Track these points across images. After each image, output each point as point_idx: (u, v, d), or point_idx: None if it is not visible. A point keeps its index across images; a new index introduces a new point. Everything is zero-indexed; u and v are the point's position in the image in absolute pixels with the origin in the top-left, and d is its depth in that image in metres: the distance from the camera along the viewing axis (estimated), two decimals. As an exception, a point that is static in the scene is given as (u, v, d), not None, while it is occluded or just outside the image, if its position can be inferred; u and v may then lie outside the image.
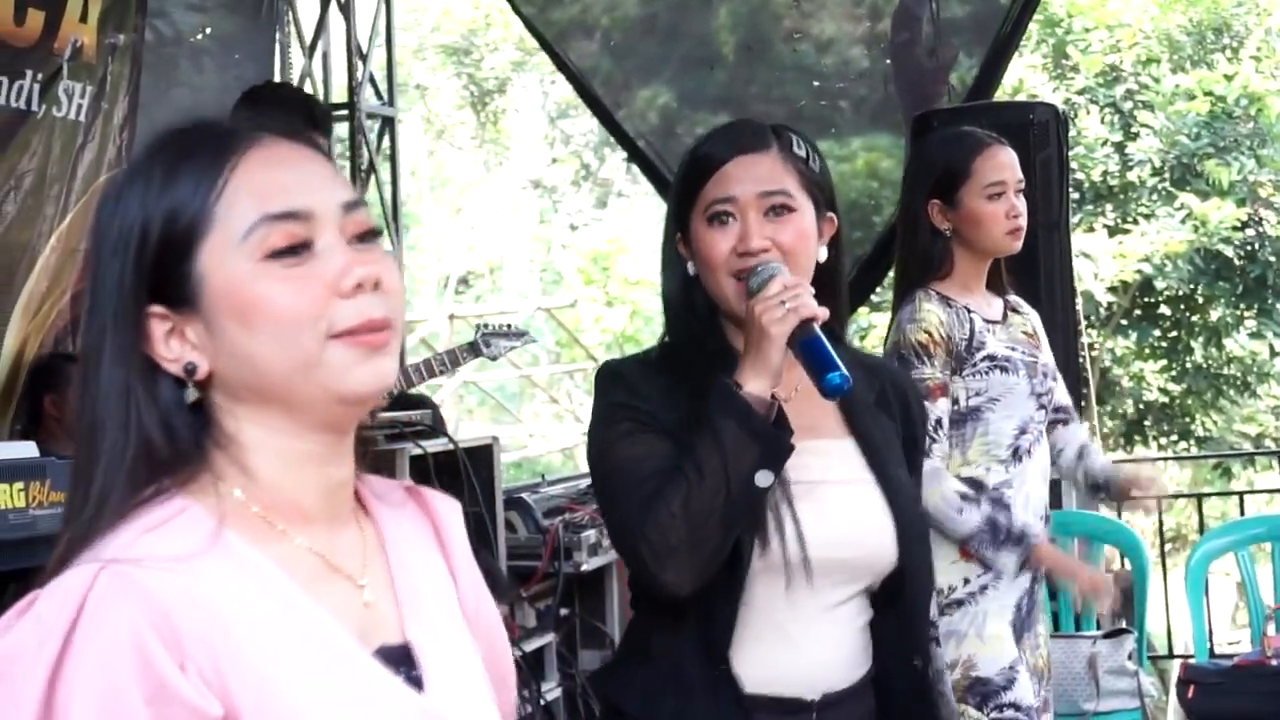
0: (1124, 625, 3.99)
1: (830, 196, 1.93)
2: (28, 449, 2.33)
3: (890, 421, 1.96)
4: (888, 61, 5.68)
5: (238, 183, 1.10)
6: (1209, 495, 9.24)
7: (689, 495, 1.73)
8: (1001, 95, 7.29)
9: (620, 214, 16.14)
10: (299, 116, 3.48)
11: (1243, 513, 7.19)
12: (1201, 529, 7.33)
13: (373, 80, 6.02)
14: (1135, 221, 10.10)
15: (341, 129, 5.88)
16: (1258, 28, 10.66)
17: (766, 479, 1.74)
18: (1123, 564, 5.79)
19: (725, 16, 5.98)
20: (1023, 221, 2.87)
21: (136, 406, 1.10)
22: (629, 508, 1.78)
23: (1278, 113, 9.97)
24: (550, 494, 4.40)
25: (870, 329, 10.35)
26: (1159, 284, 10.11)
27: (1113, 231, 10.11)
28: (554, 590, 3.94)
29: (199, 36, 5.56)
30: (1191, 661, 4.18)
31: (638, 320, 14.44)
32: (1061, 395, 3.04)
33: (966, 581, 2.77)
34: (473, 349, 4.17)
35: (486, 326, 4.22)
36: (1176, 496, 10.35)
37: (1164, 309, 10.59)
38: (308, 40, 5.88)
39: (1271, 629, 4.12)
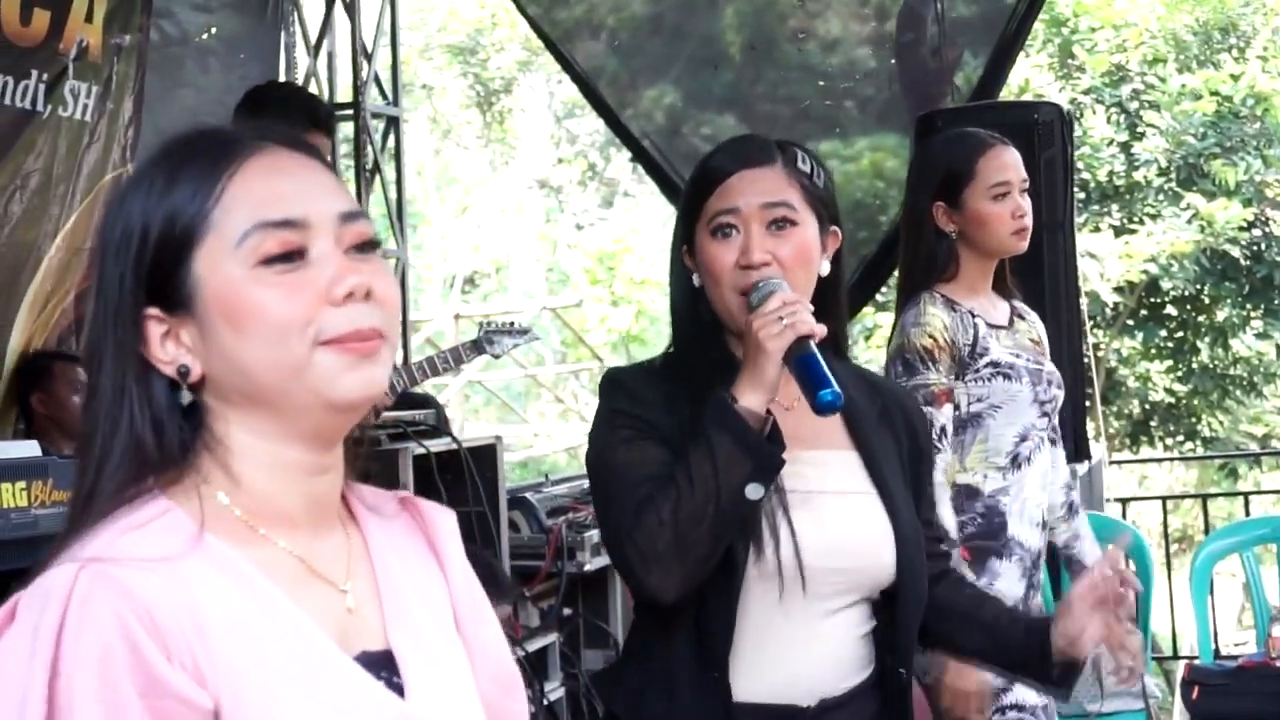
0: (1129, 626, 3.98)
1: (834, 211, 1.96)
2: (30, 448, 2.34)
3: (892, 436, 1.97)
4: (893, 61, 5.67)
5: (236, 189, 1.12)
6: (1214, 496, 9.24)
7: (679, 503, 1.75)
8: (1007, 95, 7.28)
9: (626, 214, 16.14)
10: (303, 116, 3.49)
11: (1248, 513, 7.18)
12: (1207, 530, 7.32)
13: (378, 80, 6.02)
14: (1141, 222, 10.10)
15: (346, 128, 5.88)
16: (1265, 27, 10.65)
17: (757, 492, 1.75)
18: (1127, 565, 5.78)
19: (731, 16, 5.97)
20: (1028, 221, 2.83)
21: (130, 406, 1.12)
22: (621, 512, 1.80)
23: (1285, 113, 9.96)
24: (554, 494, 4.39)
25: (875, 329, 10.34)
26: (1165, 284, 10.10)
27: (1119, 232, 10.10)
28: (557, 590, 3.94)
29: (204, 36, 5.56)
30: (1196, 662, 4.18)
31: (643, 320, 14.44)
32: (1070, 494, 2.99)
33: None
34: (476, 347, 4.16)
35: (490, 324, 4.22)
36: (1182, 497, 10.35)
37: (1170, 309, 10.58)
38: (313, 40, 5.88)
39: (1276, 630, 4.11)
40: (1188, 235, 9.83)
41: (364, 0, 5.95)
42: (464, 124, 16.74)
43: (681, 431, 1.82)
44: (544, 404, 15.31)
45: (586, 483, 4.56)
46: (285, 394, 1.11)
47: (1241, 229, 9.91)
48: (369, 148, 5.86)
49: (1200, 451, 10.91)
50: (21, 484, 2.16)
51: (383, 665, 1.15)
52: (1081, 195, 9.60)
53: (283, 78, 5.71)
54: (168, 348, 1.13)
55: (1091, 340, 8.32)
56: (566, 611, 4.06)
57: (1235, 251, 9.99)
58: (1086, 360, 5.46)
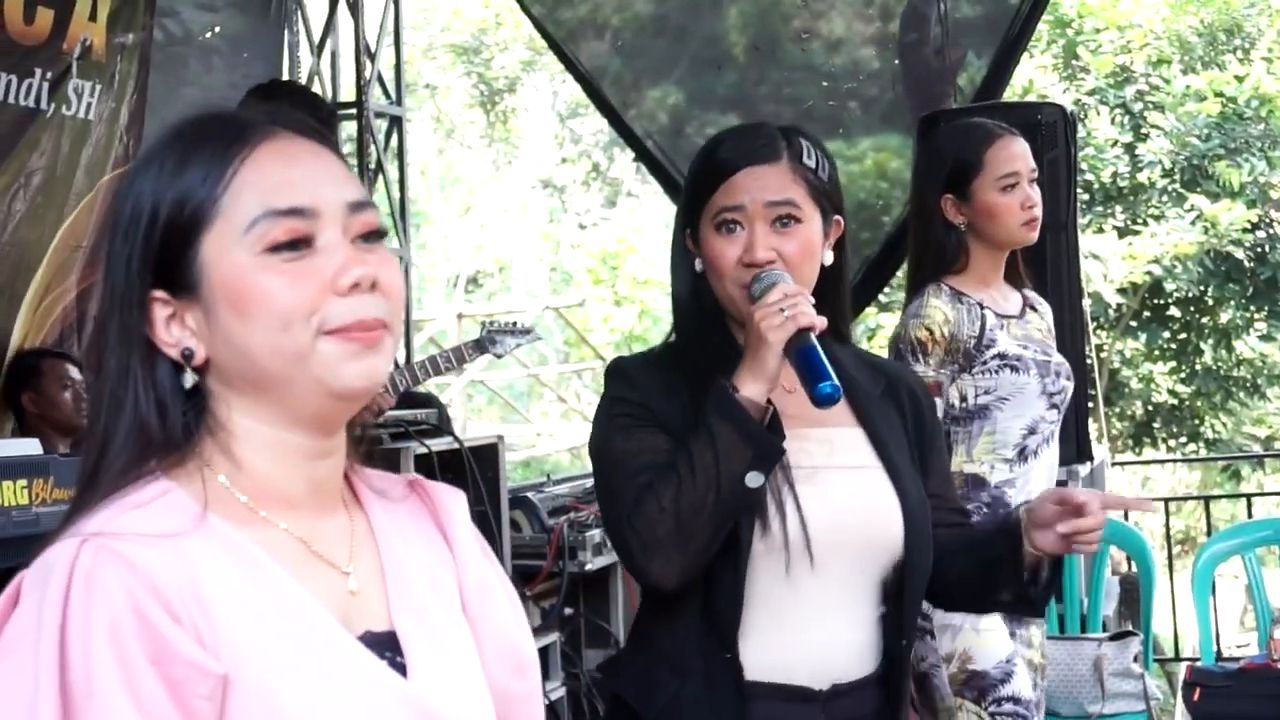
0: (1130, 627, 3.98)
1: (838, 201, 1.97)
2: (31, 446, 2.34)
3: (897, 412, 1.99)
4: (897, 62, 5.66)
5: (246, 175, 1.12)
6: (1217, 498, 9.24)
7: (679, 491, 1.77)
8: (1012, 95, 7.29)
9: (629, 214, 16.14)
10: (305, 114, 3.49)
11: (1250, 515, 7.18)
12: (1209, 531, 7.32)
13: (381, 79, 6.02)
14: (1145, 223, 10.08)
15: (350, 128, 5.88)
16: (1269, 29, 10.63)
17: (757, 480, 1.77)
18: (1129, 566, 5.78)
19: (735, 17, 5.96)
20: (1038, 212, 2.80)
21: (135, 387, 1.13)
22: (622, 500, 1.82)
23: (1289, 114, 9.95)
24: (555, 493, 4.40)
25: (878, 329, 10.34)
26: (1169, 286, 10.09)
27: (1122, 233, 10.09)
28: (558, 590, 3.94)
29: (208, 35, 5.57)
30: (1198, 664, 4.18)
31: (646, 320, 14.44)
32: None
33: None
34: (478, 346, 4.16)
35: (493, 324, 4.22)
36: (1185, 499, 10.34)
37: (1173, 311, 10.57)
38: (316, 39, 5.89)
39: (1278, 632, 4.11)
40: (1191, 237, 9.81)
41: (367, 0, 5.95)
42: (467, 123, 16.74)
43: (682, 418, 1.84)
44: (546, 403, 15.31)
45: (588, 482, 4.60)
46: (287, 381, 1.12)
47: (1245, 230, 9.90)
48: (372, 147, 5.86)
49: (1203, 453, 10.90)
50: (23, 482, 2.16)
51: (386, 646, 1.15)
52: (1085, 196, 9.59)
53: (286, 77, 5.71)
54: (172, 330, 1.13)
55: (1095, 341, 8.32)
56: (568, 611, 4.06)
57: (1239, 253, 9.97)
58: (1089, 361, 5.46)
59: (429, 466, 3.26)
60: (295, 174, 1.13)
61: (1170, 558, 7.11)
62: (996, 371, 2.76)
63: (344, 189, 1.15)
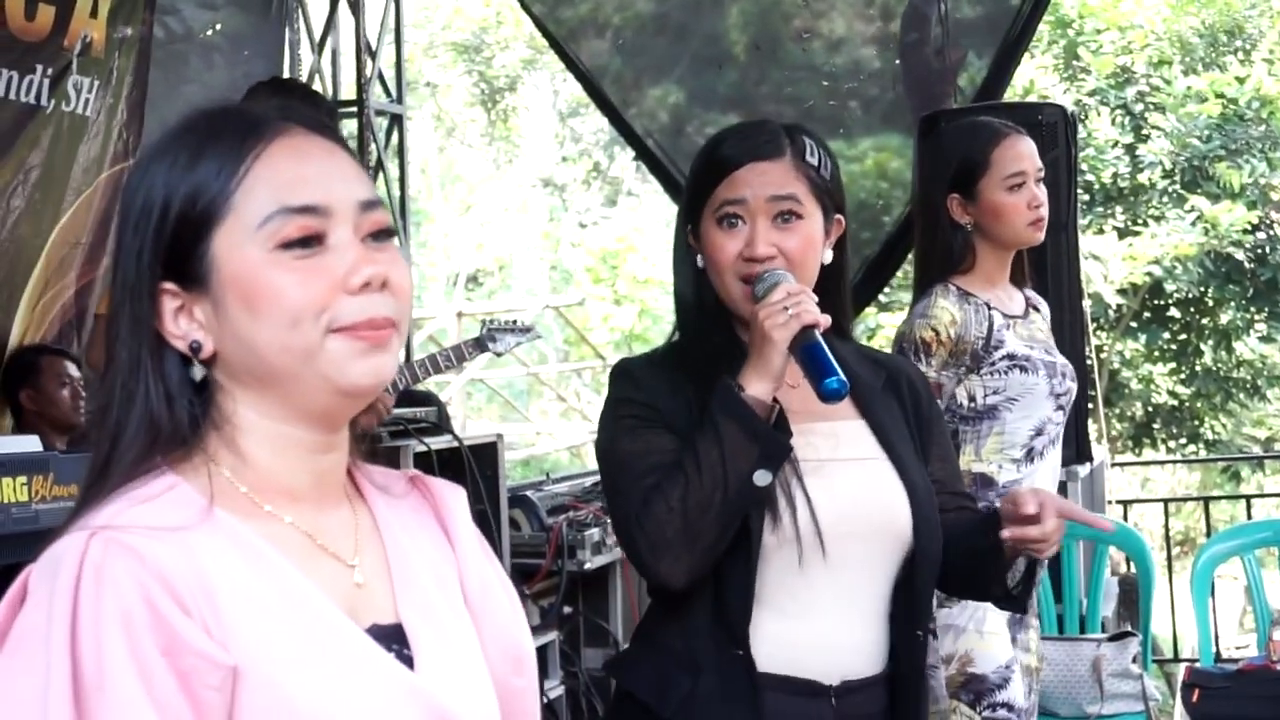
0: (1129, 628, 3.98)
1: (840, 199, 1.98)
2: (31, 443, 2.34)
3: (898, 404, 2.00)
4: (898, 62, 5.66)
5: (260, 171, 1.12)
6: (1217, 499, 9.25)
7: (687, 491, 1.78)
8: (1012, 96, 7.28)
9: (630, 213, 16.14)
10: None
11: (1250, 516, 7.18)
12: (1209, 532, 7.32)
13: (381, 77, 6.02)
14: (1145, 224, 10.08)
15: (350, 126, 5.88)
16: (1271, 30, 10.63)
17: (764, 479, 1.78)
18: (1129, 567, 5.78)
19: (736, 16, 5.96)
20: (1044, 212, 2.78)
21: (145, 379, 1.13)
22: (629, 500, 1.83)
23: (1290, 116, 9.94)
24: (554, 492, 4.40)
25: (878, 329, 10.34)
26: (1169, 286, 10.08)
27: (1123, 234, 10.09)
28: (557, 588, 3.94)
29: (209, 33, 5.57)
30: (1197, 665, 4.17)
31: (646, 319, 14.44)
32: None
33: None
34: (479, 344, 4.16)
35: (493, 322, 4.22)
36: (1184, 500, 10.34)
37: (1174, 312, 10.57)
38: (317, 37, 5.89)
39: (1277, 633, 4.10)
40: (1192, 238, 9.81)
41: (368, -2, 5.95)
42: (468, 122, 16.74)
43: (688, 417, 1.85)
44: (546, 402, 15.31)
45: (588, 481, 4.60)
46: (295, 377, 1.12)
47: (1246, 232, 9.89)
48: (373, 145, 5.87)
49: (1203, 454, 10.90)
50: (22, 479, 2.16)
51: (393, 638, 1.16)
52: (1085, 197, 9.59)
53: (287, 74, 5.71)
54: (180, 323, 1.13)
55: (1094, 342, 8.32)
56: (567, 610, 4.06)
57: (1239, 254, 9.97)
58: (1089, 362, 5.46)
59: (428, 464, 3.26)
60: (308, 170, 1.14)
61: (1169, 559, 7.11)
62: (1005, 372, 2.74)
63: (356, 187, 1.15)
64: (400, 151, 6.11)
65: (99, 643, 1.00)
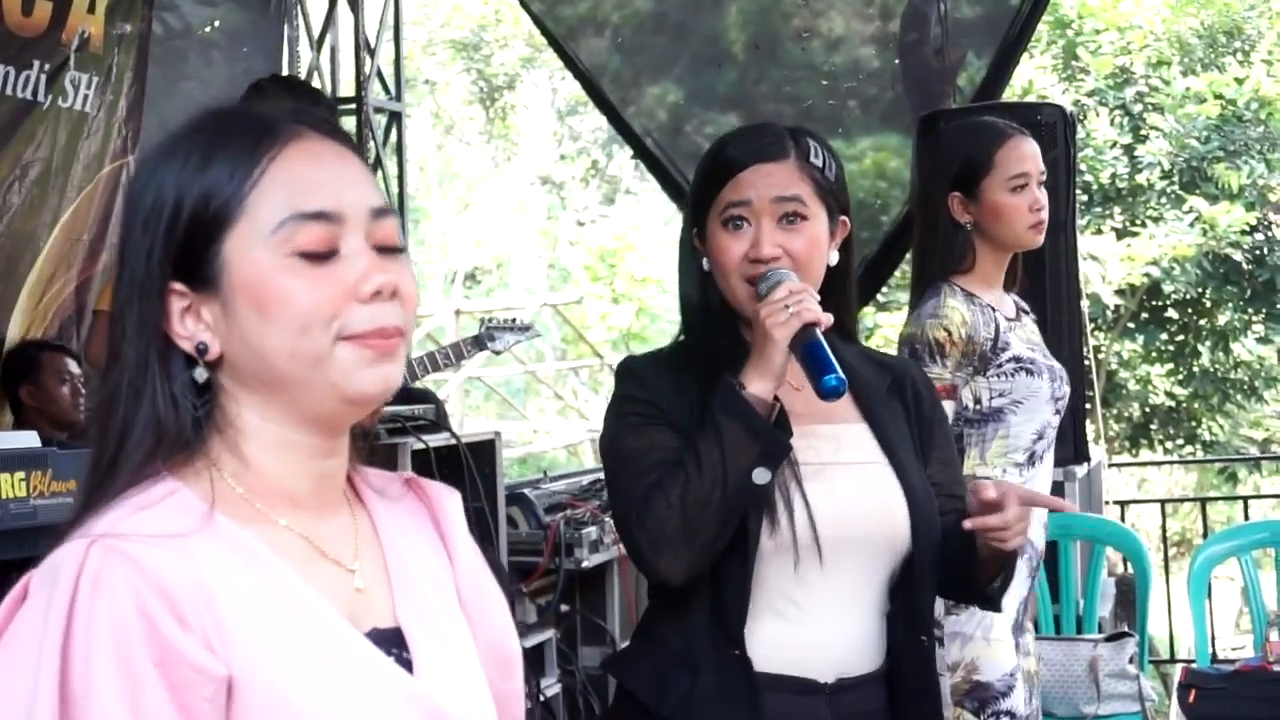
0: (1126, 629, 3.98)
1: (844, 201, 1.98)
2: (29, 438, 2.33)
3: (901, 406, 2.00)
4: (897, 61, 5.66)
5: (274, 174, 1.12)
6: (1214, 499, 9.24)
7: (687, 488, 1.78)
8: (1011, 96, 7.29)
9: (628, 211, 16.14)
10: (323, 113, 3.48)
11: (1247, 518, 7.18)
12: (1206, 533, 7.32)
13: (380, 75, 6.02)
14: (1144, 224, 10.09)
15: (349, 123, 5.88)
16: (1270, 31, 10.64)
17: (764, 477, 1.79)
18: (1125, 568, 5.78)
19: (735, 15, 5.96)
20: (1045, 215, 2.76)
21: (152, 379, 1.12)
22: (631, 497, 1.84)
23: (1288, 117, 9.95)
24: (552, 490, 4.39)
25: (876, 328, 10.34)
26: (1167, 287, 10.09)
27: (1121, 234, 10.09)
28: (555, 586, 3.94)
29: (208, 29, 5.57)
30: (1193, 666, 4.17)
31: (644, 317, 14.44)
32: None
33: None
34: (477, 342, 4.16)
35: (492, 320, 4.22)
36: (1181, 500, 10.35)
37: (1171, 312, 10.58)
38: (316, 34, 5.88)
39: (1274, 635, 4.10)
40: (1190, 239, 9.81)
41: (367, -5, 5.95)
42: (466, 120, 16.74)
43: (691, 416, 1.85)
44: (543, 400, 15.31)
45: (585, 479, 4.59)
46: (302, 383, 1.12)
47: (1244, 233, 9.90)
48: (371, 142, 5.86)
49: (1200, 455, 10.91)
50: (21, 474, 2.15)
51: (392, 642, 1.16)
52: (1084, 197, 9.59)
53: (285, 71, 5.71)
54: (187, 323, 1.13)
55: (1092, 343, 8.32)
56: (564, 608, 4.05)
57: (1237, 255, 9.98)
58: (1087, 363, 5.46)
59: (426, 462, 3.25)
60: (322, 176, 1.13)
61: (1166, 559, 7.12)
62: (1012, 375, 2.72)
63: (367, 193, 1.15)
64: (399, 149, 6.11)
65: (88, 653, 1.00)
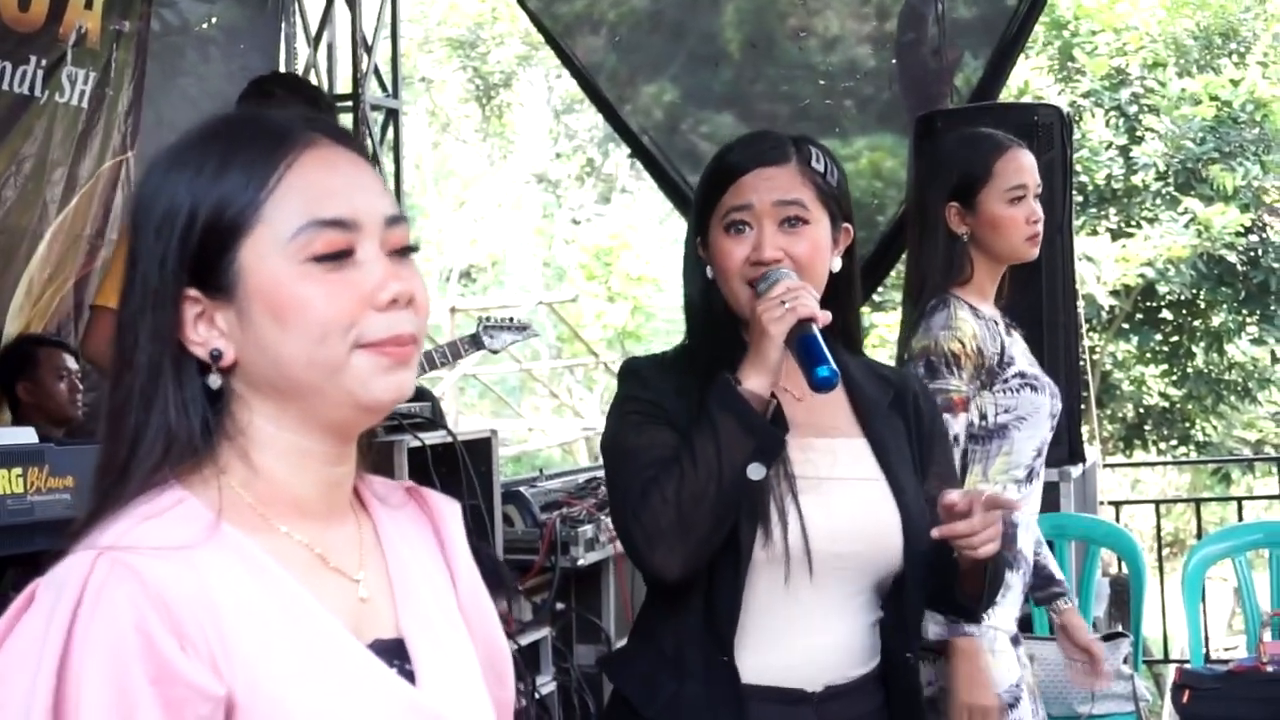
0: (1120, 629, 3.99)
1: (847, 208, 1.99)
2: (27, 434, 2.33)
3: (902, 422, 2.00)
4: (894, 61, 5.67)
5: (291, 181, 1.12)
6: (1207, 500, 9.25)
7: (682, 482, 1.79)
8: (1007, 96, 7.28)
9: (623, 210, 16.13)
10: (305, 108, 3.48)
11: (1241, 519, 7.19)
12: (1199, 534, 7.33)
13: (377, 72, 6.02)
14: (1139, 225, 10.09)
15: (345, 120, 5.88)
16: (1265, 33, 10.64)
17: (759, 472, 1.79)
18: (1120, 568, 5.79)
19: (731, 13, 5.96)
20: (1040, 227, 2.75)
21: (165, 386, 1.12)
22: (628, 492, 1.84)
23: (1284, 118, 9.96)
24: (548, 488, 4.39)
25: (871, 328, 10.34)
26: (1161, 288, 10.09)
27: (1116, 235, 10.09)
28: (550, 585, 3.93)
29: (205, 26, 5.57)
30: (1187, 666, 4.19)
31: (639, 316, 14.44)
32: None
33: None
34: (474, 341, 4.16)
35: (489, 319, 4.21)
36: (1175, 501, 10.36)
37: (1166, 313, 10.58)
38: (313, 31, 5.88)
39: (1267, 635, 4.12)
40: (1185, 240, 9.82)
41: (365, -8, 5.95)
42: (463, 117, 16.73)
43: (691, 418, 1.85)
44: (538, 399, 15.30)
45: (581, 478, 4.59)
46: (318, 391, 1.12)
47: (1239, 234, 9.90)
48: (367, 140, 5.86)
49: (1193, 456, 10.92)
50: (18, 470, 2.15)
51: (395, 653, 1.16)
52: (1079, 198, 9.58)
53: (282, 68, 5.71)
54: (200, 330, 1.13)
55: (1087, 343, 8.33)
56: (559, 606, 4.05)
57: (1232, 257, 9.98)
58: (1081, 363, 5.47)
59: (422, 460, 3.25)
60: (338, 183, 1.13)
61: (1160, 560, 7.13)
62: (1018, 390, 2.68)
63: (381, 201, 1.16)
64: (396, 146, 6.11)
65: (82, 668, 1.01)
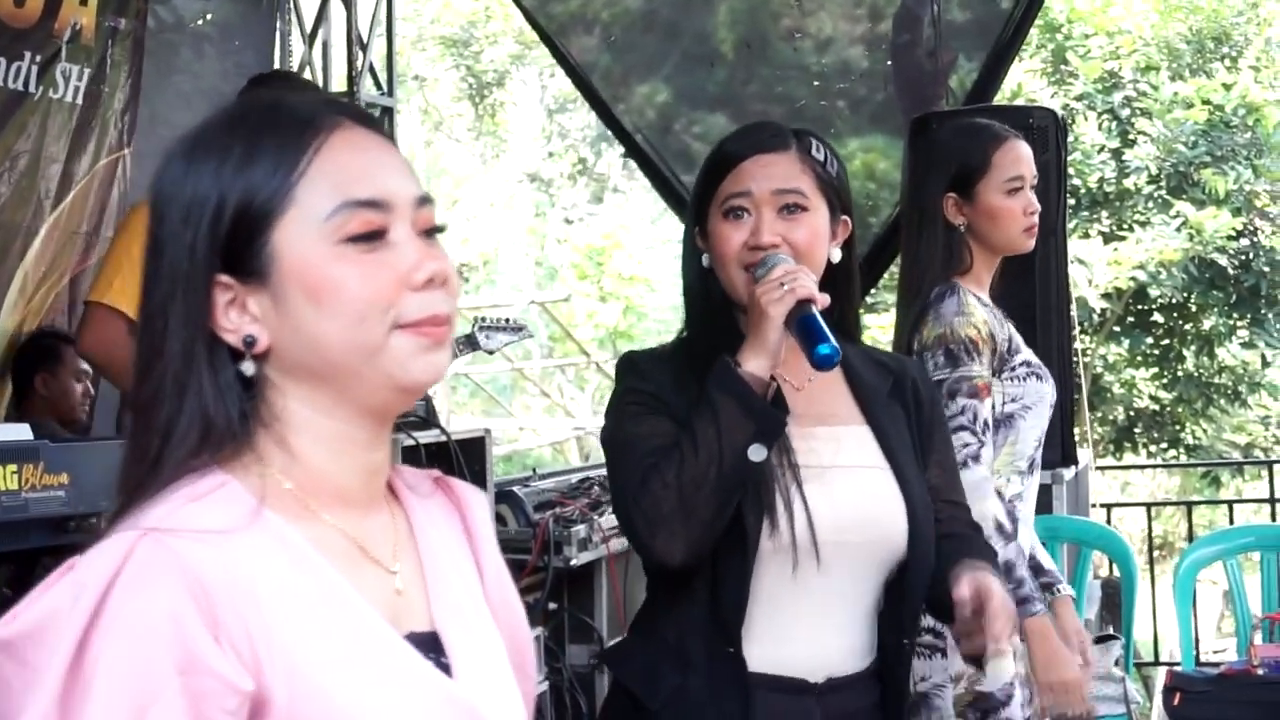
0: (1111, 631, 4.00)
1: (846, 200, 2.00)
2: (21, 431, 2.32)
3: (903, 409, 2.00)
4: (888, 63, 5.67)
5: (321, 164, 1.12)
6: (1198, 503, 9.28)
7: (683, 466, 1.79)
8: (1001, 99, 7.29)
9: (616, 209, 16.13)
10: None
11: (1231, 522, 7.22)
12: (1190, 537, 7.36)
13: (372, 70, 6.01)
14: (1130, 229, 10.11)
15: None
16: (1257, 38, 10.67)
17: (759, 454, 1.79)
18: (1111, 570, 5.80)
19: (725, 14, 5.96)
20: (1037, 219, 2.75)
21: (198, 375, 1.11)
22: (628, 479, 1.84)
23: (1275, 123, 9.96)
24: (541, 488, 4.39)
25: (864, 329, 10.34)
26: (1153, 291, 10.11)
27: (1108, 238, 10.11)
28: (543, 584, 3.93)
29: (200, 23, 5.56)
30: (1178, 669, 4.20)
31: (631, 316, 14.43)
32: None
33: None
34: (470, 341, 4.15)
35: (484, 320, 4.20)
36: (1165, 504, 10.38)
37: (1157, 317, 10.60)
38: (308, 29, 5.87)
39: (1258, 638, 4.13)
40: (1176, 243, 9.84)
41: (360, -11, 5.94)
42: (455, 116, 16.71)
43: (690, 409, 1.85)
44: (530, 398, 15.29)
45: (574, 478, 4.59)
46: (355, 373, 1.11)
47: (1230, 238, 9.92)
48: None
49: (1184, 459, 10.94)
50: (13, 467, 2.14)
51: (429, 646, 1.16)
52: (1072, 201, 9.60)
53: (277, 66, 5.70)
54: (231, 316, 1.12)
55: (1078, 346, 8.34)
56: (552, 606, 4.05)
57: (1223, 260, 10.00)
58: (1073, 365, 5.48)
59: (416, 459, 3.25)
60: (368, 164, 1.13)
61: (1151, 562, 7.15)
62: (1025, 379, 2.68)
63: (410, 182, 1.15)
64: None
65: (104, 646, 1.00)
